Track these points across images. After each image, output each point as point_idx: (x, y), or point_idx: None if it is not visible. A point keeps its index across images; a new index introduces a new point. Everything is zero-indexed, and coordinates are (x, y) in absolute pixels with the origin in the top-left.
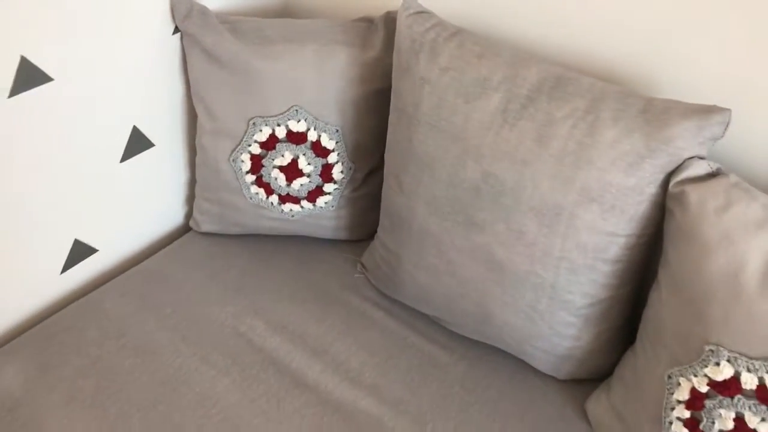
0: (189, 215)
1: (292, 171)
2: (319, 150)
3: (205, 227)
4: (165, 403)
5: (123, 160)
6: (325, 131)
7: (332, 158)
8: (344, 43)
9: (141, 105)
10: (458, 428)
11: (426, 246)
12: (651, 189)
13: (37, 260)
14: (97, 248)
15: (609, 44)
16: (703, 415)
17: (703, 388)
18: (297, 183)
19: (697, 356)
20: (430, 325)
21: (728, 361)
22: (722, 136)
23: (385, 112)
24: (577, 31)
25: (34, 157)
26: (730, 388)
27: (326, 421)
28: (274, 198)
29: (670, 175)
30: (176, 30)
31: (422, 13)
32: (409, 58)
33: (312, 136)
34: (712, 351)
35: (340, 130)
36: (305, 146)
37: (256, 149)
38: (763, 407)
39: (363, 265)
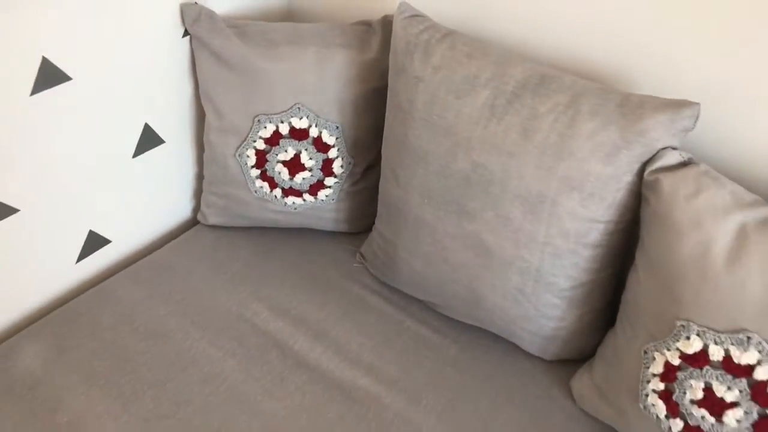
0: (197, 209)
1: (294, 165)
2: (320, 145)
3: (212, 220)
4: (175, 381)
5: (135, 155)
6: (325, 128)
7: (332, 153)
8: (343, 45)
9: (152, 104)
10: (450, 405)
11: (421, 234)
12: (627, 177)
13: (54, 250)
14: (110, 239)
15: (591, 46)
16: (675, 386)
17: (676, 361)
18: (299, 177)
19: (669, 332)
20: (425, 310)
21: (697, 335)
22: (693, 128)
23: (383, 110)
24: (562, 33)
25: (53, 152)
26: (699, 360)
27: (326, 397)
28: (278, 191)
29: (645, 165)
30: (186, 33)
31: (416, 16)
32: (404, 59)
33: (313, 132)
34: (683, 326)
35: (340, 127)
36: (307, 142)
37: (261, 145)
38: (729, 377)
39: (362, 255)
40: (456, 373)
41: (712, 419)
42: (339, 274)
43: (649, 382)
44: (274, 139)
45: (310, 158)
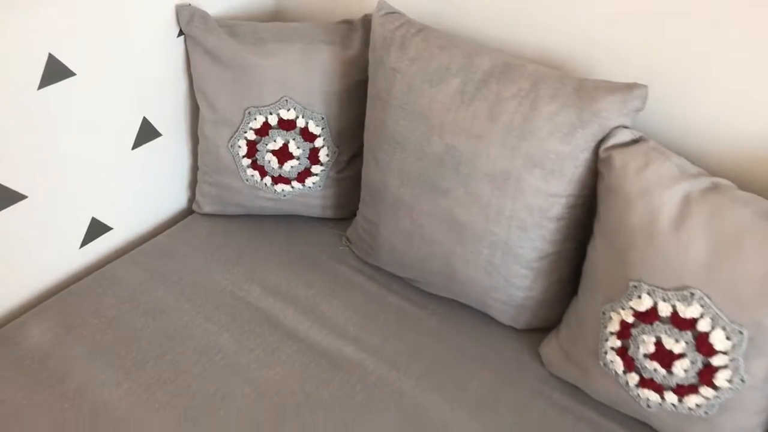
0: (192, 200)
1: (283, 154)
2: (307, 135)
3: (207, 208)
4: (173, 353)
5: (134, 147)
6: (312, 119)
7: (319, 143)
8: (327, 42)
9: (150, 99)
10: (428, 370)
11: (399, 214)
12: (584, 155)
13: (60, 235)
14: (111, 226)
15: (552, 38)
16: (630, 342)
17: (630, 319)
18: (288, 165)
19: (623, 292)
20: (406, 286)
21: (648, 293)
22: (643, 108)
23: (365, 102)
24: (526, 27)
25: (58, 143)
26: (650, 316)
27: (314, 365)
28: (268, 179)
29: (600, 143)
30: (180, 33)
31: (393, 13)
32: (383, 52)
33: (300, 123)
34: (635, 286)
35: (325, 118)
36: (295, 132)
37: (252, 135)
38: (676, 330)
39: (347, 239)
40: (434, 342)
41: (663, 371)
42: (326, 256)
43: (607, 340)
44: (264, 130)
45: (298, 147)
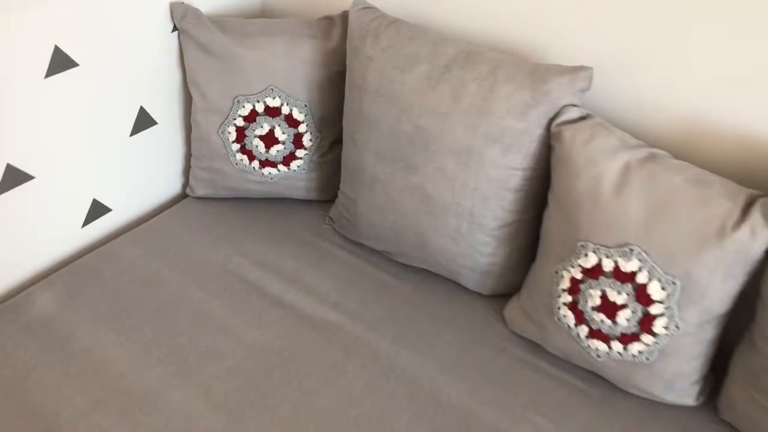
0: (186, 185)
1: (269, 139)
2: (291, 121)
3: (199, 192)
4: (169, 318)
5: (132, 134)
6: (295, 106)
7: (302, 128)
8: (309, 36)
9: (147, 89)
10: (402, 331)
11: (375, 190)
12: (538, 131)
13: (64, 215)
14: (111, 208)
15: (511, 27)
16: (579, 297)
17: (578, 276)
18: (274, 149)
19: (573, 252)
20: (383, 259)
21: (593, 251)
22: (589, 88)
23: (345, 91)
24: (487, 19)
25: (62, 127)
26: (595, 272)
27: (298, 328)
28: (256, 163)
29: (551, 120)
30: (174, 28)
31: (368, 8)
32: (359, 42)
33: (285, 110)
34: (582, 246)
35: (308, 105)
36: (280, 118)
37: (240, 122)
38: (618, 283)
39: (330, 218)
40: (408, 307)
41: (609, 321)
42: (311, 234)
43: (560, 296)
44: (252, 117)
45: (283, 133)
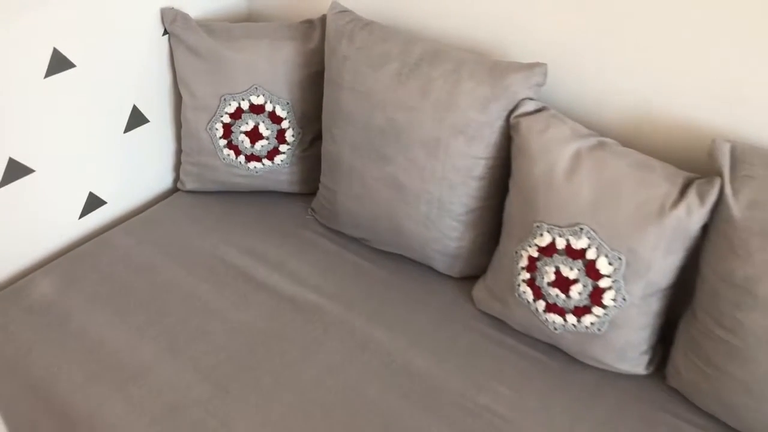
0: (176, 180)
1: (254, 135)
2: (275, 118)
3: (189, 186)
4: (160, 300)
5: (126, 131)
6: (278, 104)
7: (285, 124)
8: (291, 38)
9: (139, 89)
10: (377, 311)
11: (353, 180)
12: (499, 123)
13: (61, 207)
14: (106, 200)
15: (474, 28)
16: (536, 273)
17: (535, 254)
18: (258, 144)
19: (530, 233)
20: (361, 246)
21: (547, 231)
22: (544, 83)
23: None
24: (454, 20)
25: (60, 124)
26: (549, 250)
27: (281, 308)
28: (242, 158)
29: (511, 112)
30: (165, 32)
31: (344, 11)
32: (335, 42)
33: (269, 107)
34: (538, 226)
35: (290, 103)
36: (264, 115)
37: (227, 119)
38: (570, 260)
39: (312, 209)
40: (383, 289)
41: (563, 295)
42: (294, 224)
43: (519, 274)
44: (237, 114)
45: (267, 129)
